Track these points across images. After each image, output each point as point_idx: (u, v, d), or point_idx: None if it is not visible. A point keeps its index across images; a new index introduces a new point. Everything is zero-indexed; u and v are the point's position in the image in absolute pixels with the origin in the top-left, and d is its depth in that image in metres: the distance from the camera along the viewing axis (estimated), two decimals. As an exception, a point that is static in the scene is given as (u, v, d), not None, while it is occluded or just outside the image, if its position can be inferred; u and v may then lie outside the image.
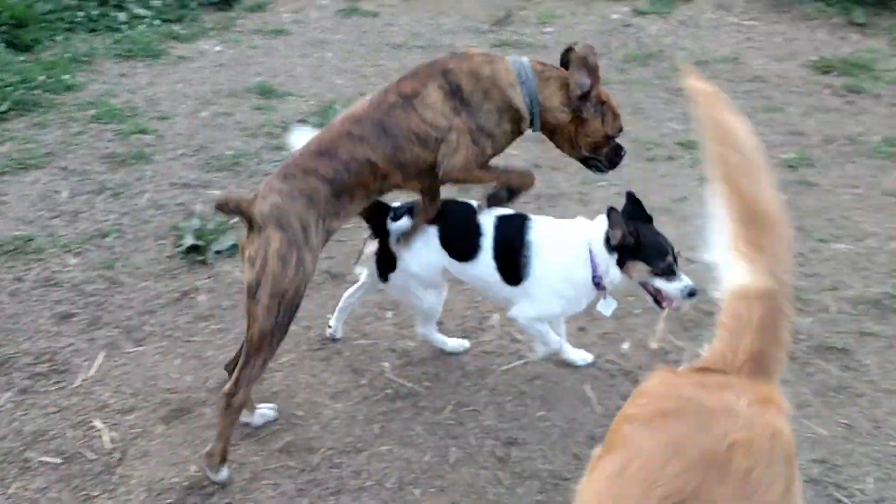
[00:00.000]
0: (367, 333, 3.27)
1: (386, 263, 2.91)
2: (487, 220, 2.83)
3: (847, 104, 5.52)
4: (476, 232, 2.81)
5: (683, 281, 2.68)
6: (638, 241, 2.67)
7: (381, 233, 2.90)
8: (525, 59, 2.73)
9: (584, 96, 2.68)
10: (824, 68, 6.04)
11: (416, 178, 2.70)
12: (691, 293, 2.67)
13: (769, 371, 1.59)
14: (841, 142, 4.94)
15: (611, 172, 2.91)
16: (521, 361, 3.13)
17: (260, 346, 2.47)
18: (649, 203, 2.87)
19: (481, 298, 3.42)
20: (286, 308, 2.48)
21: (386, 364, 3.11)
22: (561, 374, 3.07)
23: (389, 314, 3.38)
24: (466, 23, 6.86)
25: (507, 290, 2.84)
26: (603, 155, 2.82)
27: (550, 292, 2.80)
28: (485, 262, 2.82)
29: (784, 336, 1.61)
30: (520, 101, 2.67)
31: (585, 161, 2.85)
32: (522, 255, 2.77)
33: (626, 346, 3.23)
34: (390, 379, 3.04)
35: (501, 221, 2.83)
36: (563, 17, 7.17)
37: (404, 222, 2.83)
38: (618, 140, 2.83)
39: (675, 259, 2.69)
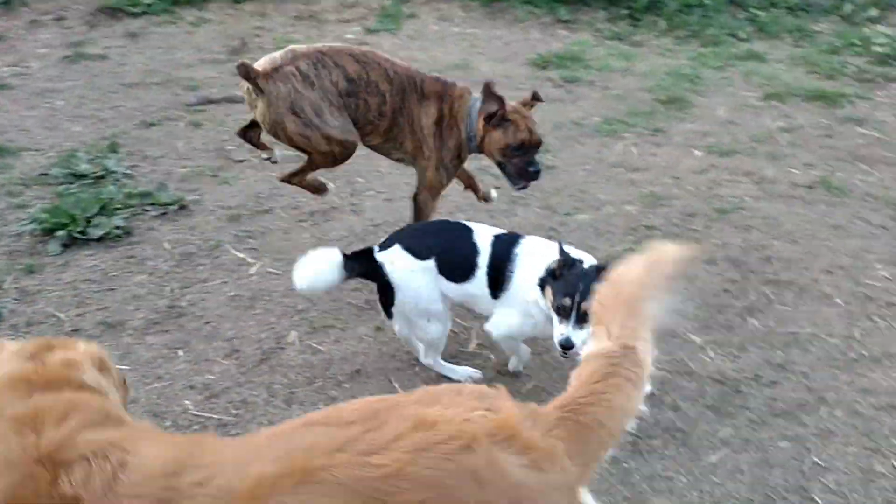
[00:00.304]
0: (160, 376, 3.17)
1: (387, 300, 3.00)
2: (484, 241, 2.97)
3: (567, 93, 6.20)
4: (473, 253, 2.96)
5: (568, 331, 2.66)
6: (561, 272, 2.74)
7: (375, 276, 2.99)
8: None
9: (490, 116, 3.40)
10: (542, 64, 6.71)
11: (393, 142, 3.57)
12: (563, 345, 2.66)
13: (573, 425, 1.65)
14: (567, 127, 5.55)
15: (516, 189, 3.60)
16: (329, 372, 3.20)
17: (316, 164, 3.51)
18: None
19: (277, 319, 3.45)
20: (340, 155, 3.45)
21: (187, 402, 3.04)
22: (369, 375, 3.19)
23: (181, 352, 3.30)
24: (202, 54, 6.75)
25: (490, 301, 2.99)
26: (514, 165, 3.48)
27: (519, 307, 2.93)
28: (479, 279, 2.96)
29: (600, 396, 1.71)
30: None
31: (502, 169, 3.55)
32: (508, 269, 2.91)
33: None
34: (195, 415, 2.97)
35: (497, 240, 2.98)
36: (298, 42, 7.28)
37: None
38: (534, 157, 3.48)
39: (575, 307, 2.65)
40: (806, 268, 3.83)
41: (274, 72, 3.26)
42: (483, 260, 2.95)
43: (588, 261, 2.80)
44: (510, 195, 4.53)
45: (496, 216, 4.32)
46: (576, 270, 2.71)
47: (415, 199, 3.67)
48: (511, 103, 3.46)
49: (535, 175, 3.50)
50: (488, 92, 3.38)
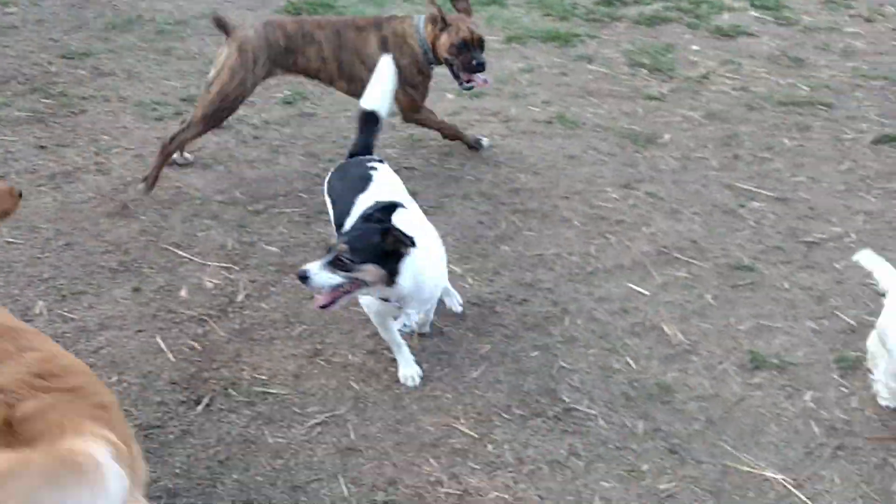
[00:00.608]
0: None
1: None
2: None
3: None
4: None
5: (313, 266, 2.49)
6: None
7: None
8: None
9: (434, 22, 4.02)
10: (294, 11, 6.59)
11: (345, 80, 4.11)
12: (299, 274, 2.51)
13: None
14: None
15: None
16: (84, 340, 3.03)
17: (198, 122, 3.89)
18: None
19: (21, 291, 3.19)
20: (224, 107, 3.89)
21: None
22: (128, 337, 3.07)
23: None
24: None
25: None
26: (461, 62, 4.03)
27: None
28: None
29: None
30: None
31: (452, 69, 4.11)
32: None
33: (183, 293, 3.34)
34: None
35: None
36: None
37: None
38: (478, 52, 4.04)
39: (335, 249, 2.50)
40: (547, 196, 4.18)
41: (236, 27, 3.94)
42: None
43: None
44: (271, 145, 4.49)
45: (257, 166, 4.27)
46: (363, 221, 2.63)
47: (407, 121, 4.38)
48: (451, 14, 4.09)
49: (481, 67, 4.05)
50: (430, 4, 4.04)
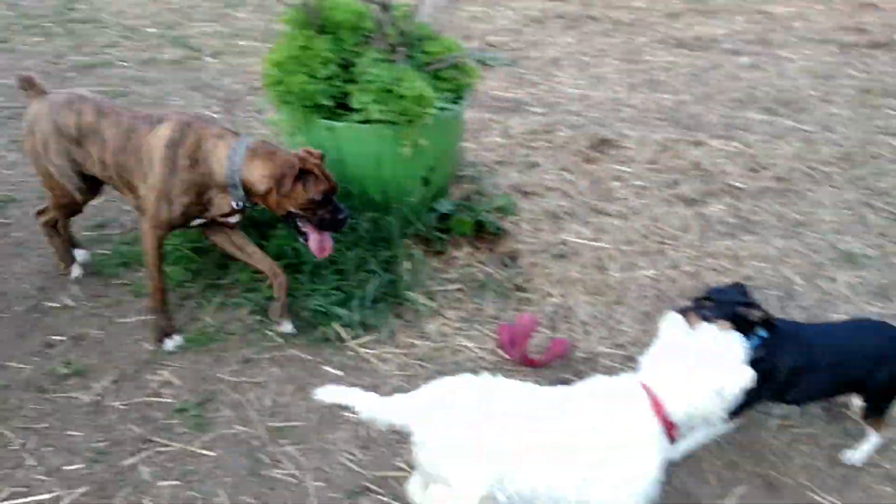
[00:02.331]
0: None
1: None
2: None
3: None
4: None
5: None
6: None
7: None
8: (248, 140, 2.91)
9: (279, 183, 2.84)
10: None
11: (125, 187, 3.06)
12: None
13: None
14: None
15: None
16: None
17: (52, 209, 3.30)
18: None
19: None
20: (53, 184, 3.16)
21: None
22: None
23: None
24: None
25: None
26: (319, 217, 2.93)
27: None
28: None
29: None
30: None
31: (289, 222, 2.98)
32: None
33: None
34: None
35: None
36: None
37: None
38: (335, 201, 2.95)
39: None
40: None
41: (45, 93, 3.16)
42: None
43: None
44: None
45: None
46: None
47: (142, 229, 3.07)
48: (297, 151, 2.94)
49: (346, 220, 3.01)
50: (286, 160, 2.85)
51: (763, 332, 2.50)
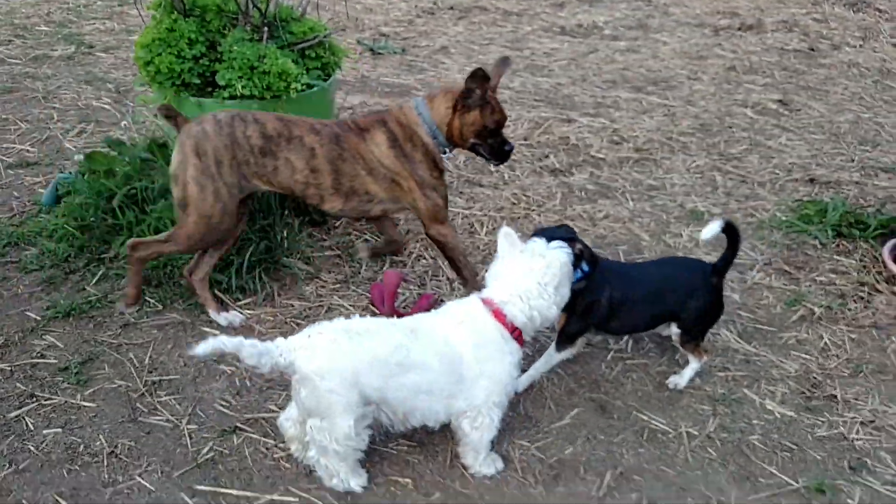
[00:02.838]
0: None
1: None
2: None
3: None
4: None
5: None
6: None
7: None
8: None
9: (466, 94, 3.06)
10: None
11: (357, 196, 3.15)
12: None
13: None
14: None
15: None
16: None
17: (178, 243, 3.10)
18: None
19: None
20: (211, 230, 3.06)
21: None
22: None
23: None
24: None
25: None
26: (488, 147, 3.19)
27: None
28: None
29: None
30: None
31: (473, 149, 3.22)
32: None
33: None
34: None
35: None
36: None
37: None
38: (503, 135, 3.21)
39: None
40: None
41: (186, 118, 3.06)
42: None
43: None
44: None
45: None
46: None
47: (429, 236, 3.28)
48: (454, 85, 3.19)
49: (511, 152, 3.28)
50: (479, 73, 3.03)
51: (586, 267, 2.84)
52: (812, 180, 4.76)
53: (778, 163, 4.98)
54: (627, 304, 2.92)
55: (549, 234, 2.82)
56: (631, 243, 4.02)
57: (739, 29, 7.97)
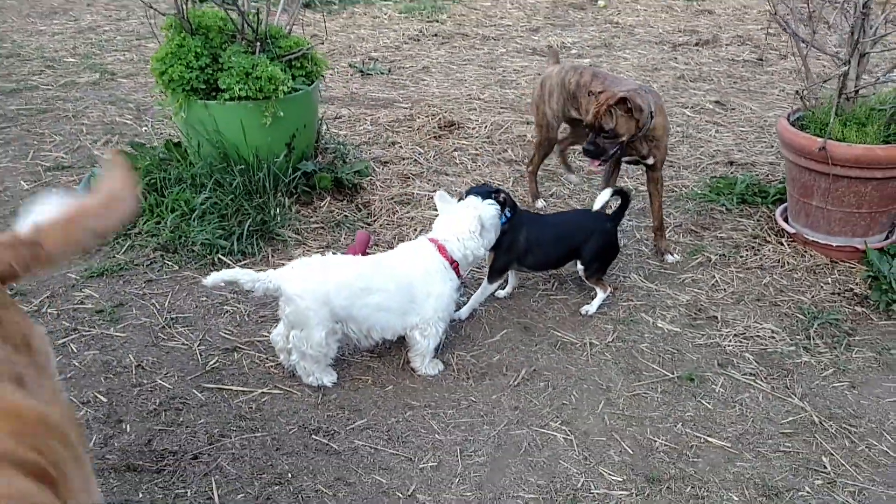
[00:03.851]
0: None
1: None
2: None
3: None
4: None
5: None
6: None
7: None
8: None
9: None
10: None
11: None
12: None
13: None
14: None
15: None
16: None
17: (537, 148, 4.75)
18: None
19: None
20: (546, 137, 4.63)
21: None
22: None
23: None
24: None
25: None
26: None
27: None
28: None
29: None
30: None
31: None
32: None
33: None
34: None
35: None
36: None
37: None
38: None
39: None
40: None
41: (558, 62, 4.66)
42: None
43: None
44: None
45: None
46: None
47: (656, 180, 4.22)
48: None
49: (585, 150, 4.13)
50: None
51: (509, 213, 3.63)
52: (731, 163, 5.54)
53: (704, 151, 5.77)
54: (540, 242, 3.71)
55: (479, 190, 3.62)
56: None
57: (697, 45, 8.78)
